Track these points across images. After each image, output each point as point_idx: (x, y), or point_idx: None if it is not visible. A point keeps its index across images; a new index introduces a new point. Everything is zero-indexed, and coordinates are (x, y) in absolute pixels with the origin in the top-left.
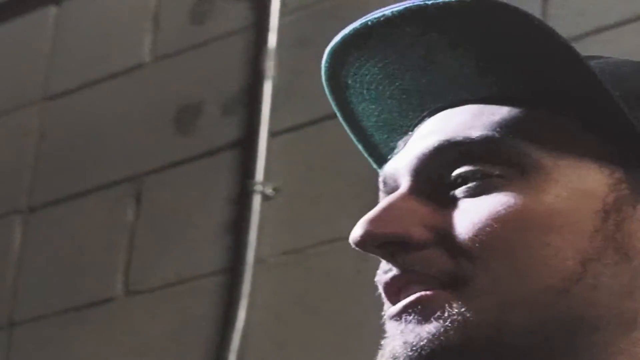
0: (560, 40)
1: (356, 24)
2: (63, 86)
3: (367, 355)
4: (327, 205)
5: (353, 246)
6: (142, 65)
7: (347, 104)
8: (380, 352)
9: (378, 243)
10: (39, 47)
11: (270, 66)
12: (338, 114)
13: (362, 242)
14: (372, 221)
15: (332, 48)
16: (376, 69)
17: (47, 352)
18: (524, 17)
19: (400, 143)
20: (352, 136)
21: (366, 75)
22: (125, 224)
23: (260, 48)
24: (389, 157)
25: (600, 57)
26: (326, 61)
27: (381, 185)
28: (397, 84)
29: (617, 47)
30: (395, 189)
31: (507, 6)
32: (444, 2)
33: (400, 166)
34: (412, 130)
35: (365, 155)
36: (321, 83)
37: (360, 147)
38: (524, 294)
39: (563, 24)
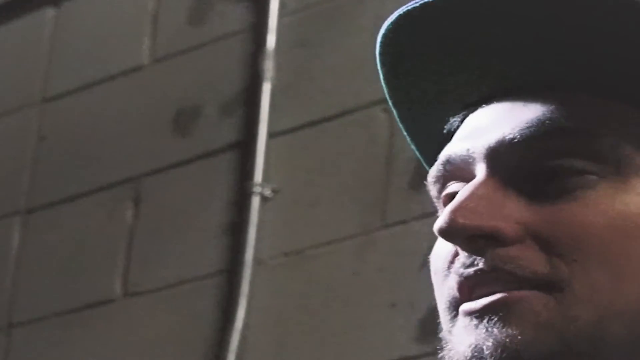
0: None
1: None
2: (62, 88)
3: (366, 356)
4: (326, 207)
5: (438, 235)
6: (141, 67)
7: (399, 70)
8: (453, 344)
9: (468, 235)
10: (38, 49)
11: (269, 67)
12: (382, 77)
13: (451, 232)
14: (461, 211)
15: (397, 16)
16: (448, 37)
17: (46, 354)
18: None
19: (455, 120)
20: (389, 100)
21: (430, 41)
22: (124, 225)
23: (259, 49)
24: (445, 131)
25: None
26: (388, 26)
27: (442, 166)
28: (461, 54)
29: None
30: (465, 171)
31: None
32: None
33: (475, 148)
34: (473, 109)
35: (400, 125)
36: (320, 84)
37: (395, 113)
38: (624, 305)
39: None
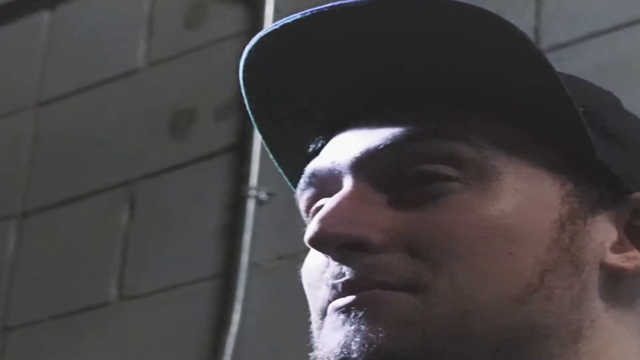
0: (532, 47)
1: (296, 16)
2: (57, 91)
3: None
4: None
5: (308, 245)
6: (137, 70)
7: (260, 99)
8: (322, 343)
9: (337, 244)
10: (33, 52)
11: None
12: (248, 107)
13: (321, 241)
14: (329, 220)
15: (264, 34)
16: (310, 58)
17: (41, 357)
18: (487, 18)
19: (319, 139)
20: (256, 126)
21: (295, 66)
22: (120, 228)
23: None
24: (311, 151)
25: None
26: (250, 49)
27: (308, 179)
28: (327, 75)
29: (610, 52)
30: (332, 184)
31: (468, 5)
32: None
33: (341, 160)
34: (340, 127)
35: (269, 150)
36: None
37: (265, 141)
38: (484, 303)
39: (557, 29)
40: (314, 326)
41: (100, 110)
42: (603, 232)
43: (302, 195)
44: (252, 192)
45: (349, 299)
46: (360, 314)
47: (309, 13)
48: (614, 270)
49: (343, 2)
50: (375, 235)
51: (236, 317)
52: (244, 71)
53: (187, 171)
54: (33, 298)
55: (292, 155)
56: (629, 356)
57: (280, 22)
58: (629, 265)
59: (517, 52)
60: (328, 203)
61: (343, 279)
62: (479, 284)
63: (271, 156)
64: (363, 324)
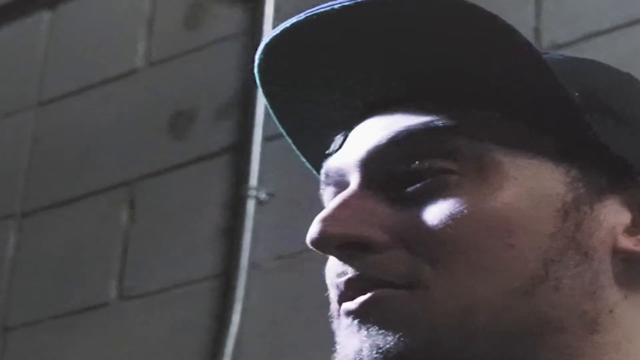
0: (518, 39)
1: (300, 17)
2: (57, 91)
3: None
4: (321, 210)
5: (310, 246)
6: (136, 70)
7: (280, 98)
8: (339, 349)
9: (337, 244)
10: (33, 52)
11: None
12: (270, 108)
13: (321, 242)
14: (330, 220)
15: (267, 43)
16: (312, 63)
17: (41, 358)
18: (475, 12)
19: (339, 138)
20: (282, 130)
21: (302, 70)
22: (120, 228)
23: (254, 53)
24: (328, 152)
25: (544, 52)
26: (260, 55)
27: (324, 178)
28: (334, 78)
29: (611, 52)
30: (341, 183)
31: (461, 2)
32: None
33: (348, 160)
34: (355, 125)
35: (298, 152)
36: None
37: (290, 141)
38: (487, 297)
39: (557, 29)
40: (333, 324)
41: (100, 111)
42: (614, 216)
43: (324, 195)
44: (252, 192)
45: (357, 302)
46: (369, 318)
47: (306, 15)
48: (627, 255)
49: (345, 1)
50: (376, 234)
51: (236, 317)
52: (259, 76)
53: (187, 171)
54: (33, 298)
55: (318, 153)
56: None
57: (282, 25)
58: None
59: (502, 43)
60: (330, 203)
61: (345, 278)
62: (479, 278)
63: (298, 153)
64: (372, 329)
